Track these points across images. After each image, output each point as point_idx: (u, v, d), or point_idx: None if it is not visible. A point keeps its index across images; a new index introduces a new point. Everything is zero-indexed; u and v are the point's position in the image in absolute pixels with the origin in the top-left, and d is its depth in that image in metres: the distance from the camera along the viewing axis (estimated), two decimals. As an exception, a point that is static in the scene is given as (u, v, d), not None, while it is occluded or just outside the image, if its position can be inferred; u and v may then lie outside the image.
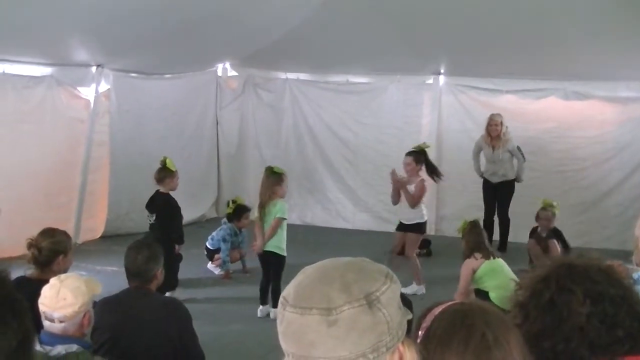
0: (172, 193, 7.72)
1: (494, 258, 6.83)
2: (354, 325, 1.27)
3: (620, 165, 10.69)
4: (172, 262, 7.52)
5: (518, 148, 10.15)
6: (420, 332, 1.62)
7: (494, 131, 10.08)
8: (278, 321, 1.35)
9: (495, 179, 10.21)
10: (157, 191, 7.71)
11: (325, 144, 12.16)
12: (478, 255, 6.77)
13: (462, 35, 9.57)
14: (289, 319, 1.31)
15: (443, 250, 10.06)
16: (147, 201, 7.77)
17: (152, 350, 4.01)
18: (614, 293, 1.83)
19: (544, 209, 8.82)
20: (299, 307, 1.30)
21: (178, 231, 7.70)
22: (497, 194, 10.22)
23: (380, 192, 11.68)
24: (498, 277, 6.64)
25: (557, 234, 9.04)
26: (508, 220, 10.27)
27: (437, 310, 1.65)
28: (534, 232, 8.90)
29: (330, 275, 1.33)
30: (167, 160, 7.71)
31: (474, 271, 6.74)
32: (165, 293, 6.53)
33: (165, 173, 7.66)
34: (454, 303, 1.68)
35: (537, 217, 8.81)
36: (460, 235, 7.12)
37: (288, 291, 1.35)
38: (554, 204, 8.88)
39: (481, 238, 6.93)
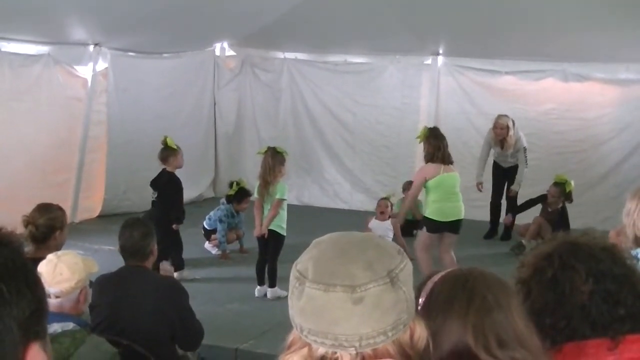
0: (176, 172, 7.75)
1: (451, 172, 7.05)
2: (379, 303, 1.27)
3: (619, 147, 10.64)
4: (174, 241, 7.62)
5: (524, 149, 9.58)
6: (420, 300, 1.62)
7: (499, 134, 9.49)
8: (294, 296, 1.32)
9: (505, 165, 9.88)
10: (164, 169, 7.72)
11: (323, 125, 12.09)
12: (434, 164, 6.95)
13: (461, 16, 9.49)
14: (310, 294, 1.29)
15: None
16: (151, 179, 7.79)
17: (150, 327, 4.01)
18: (617, 272, 1.83)
19: (555, 183, 9.04)
20: (321, 283, 1.28)
21: (177, 210, 7.70)
22: (507, 178, 9.93)
23: (377, 173, 11.68)
24: (440, 191, 6.92)
25: (562, 213, 9.08)
26: (516, 205, 10.00)
27: (437, 278, 1.67)
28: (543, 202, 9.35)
29: (350, 252, 1.31)
30: (168, 139, 7.73)
31: (426, 180, 6.95)
32: (174, 274, 6.58)
33: (168, 152, 7.68)
34: (453, 270, 1.70)
35: (549, 192, 9.13)
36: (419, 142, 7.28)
37: (304, 266, 1.32)
38: (567, 180, 8.97)
39: (442, 142, 7.05)
